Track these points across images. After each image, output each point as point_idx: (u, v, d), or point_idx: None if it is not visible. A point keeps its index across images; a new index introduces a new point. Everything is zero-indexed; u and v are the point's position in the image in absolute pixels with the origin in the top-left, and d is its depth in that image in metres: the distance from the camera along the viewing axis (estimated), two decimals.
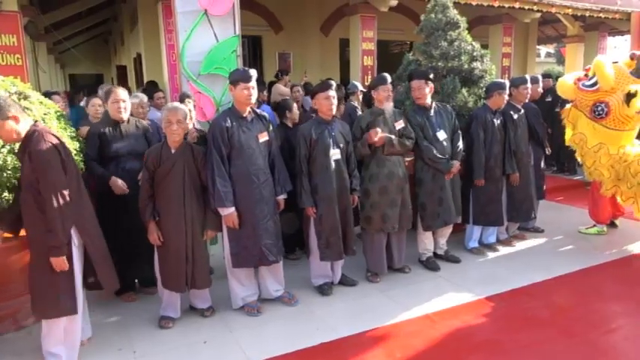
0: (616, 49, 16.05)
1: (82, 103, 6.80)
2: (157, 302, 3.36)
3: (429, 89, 3.93)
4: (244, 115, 3.20)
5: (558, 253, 4.45)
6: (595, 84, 4.43)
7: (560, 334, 3.05)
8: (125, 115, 3.50)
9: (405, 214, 3.85)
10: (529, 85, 4.56)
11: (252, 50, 9.99)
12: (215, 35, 5.31)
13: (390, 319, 3.27)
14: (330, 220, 3.48)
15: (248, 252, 3.19)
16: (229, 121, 3.14)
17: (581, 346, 2.91)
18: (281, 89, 7.12)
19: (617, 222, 5.11)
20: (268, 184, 3.24)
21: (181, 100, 3.95)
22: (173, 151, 3.07)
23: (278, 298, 3.50)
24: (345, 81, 8.87)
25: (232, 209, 3.10)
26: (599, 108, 4.40)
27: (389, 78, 3.83)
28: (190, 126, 3.84)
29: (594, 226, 4.95)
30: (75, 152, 2.99)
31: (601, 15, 9.27)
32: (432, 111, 4.02)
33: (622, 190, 4.54)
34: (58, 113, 3.36)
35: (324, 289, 3.64)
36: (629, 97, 4.22)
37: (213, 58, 5.32)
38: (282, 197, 3.40)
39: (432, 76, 4.01)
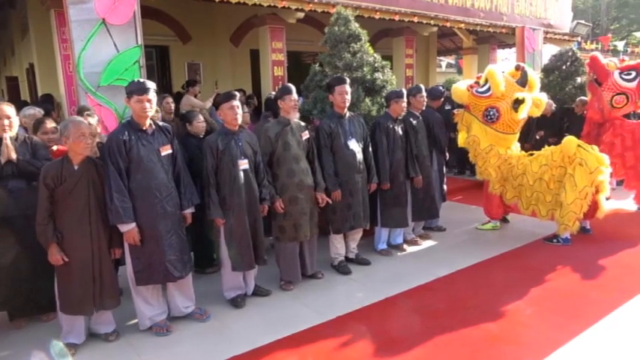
0: (507, 60, 17.55)
1: None
2: (54, 330, 3.12)
3: (349, 96, 4.10)
4: (144, 128, 3.09)
5: (459, 249, 4.79)
6: (488, 90, 4.85)
7: (457, 323, 3.28)
8: (12, 132, 3.24)
9: (315, 222, 3.95)
10: (424, 93, 4.90)
11: (160, 60, 9.66)
12: (115, 45, 5.09)
13: (304, 325, 3.31)
14: (239, 230, 3.46)
15: (152, 269, 3.08)
16: (127, 134, 3.02)
17: (476, 333, 3.16)
18: (192, 100, 6.94)
19: (508, 217, 5.62)
20: (172, 199, 3.15)
21: (79, 114, 3.72)
22: (76, 167, 2.91)
23: (189, 314, 3.40)
24: (256, 91, 8.88)
25: (132, 225, 2.98)
26: (491, 113, 4.83)
27: (294, 88, 3.91)
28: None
29: (489, 222, 5.40)
30: None
31: (490, 29, 10.15)
32: (346, 119, 4.16)
33: (507, 189, 5.02)
34: None
35: (237, 302, 3.60)
36: (517, 103, 4.68)
37: (114, 69, 5.09)
38: (188, 211, 3.32)
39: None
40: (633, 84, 5.31)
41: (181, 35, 9.29)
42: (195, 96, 7.11)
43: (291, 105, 3.84)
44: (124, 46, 5.10)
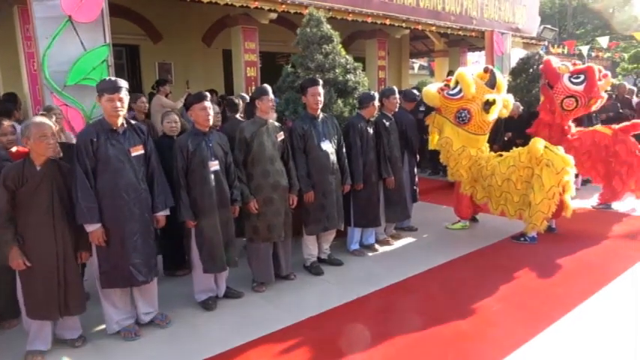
0: (477, 63, 17.87)
1: None
2: (19, 336, 3.03)
3: (322, 97, 4.11)
4: (115, 128, 3.02)
5: (429, 249, 4.86)
6: (459, 92, 4.95)
7: (428, 321, 3.33)
8: None
9: (289, 223, 3.95)
10: (397, 95, 4.96)
11: (130, 60, 9.48)
12: (82, 43, 4.97)
13: (276, 326, 3.30)
14: (211, 231, 3.43)
15: (116, 272, 3.01)
16: (96, 133, 2.96)
17: (446, 330, 3.22)
18: (162, 100, 6.82)
19: (477, 217, 5.74)
20: (140, 200, 3.08)
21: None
22: (38, 168, 2.83)
23: (150, 321, 3.33)
24: (229, 92, 8.81)
25: (97, 225, 2.92)
26: (463, 114, 4.93)
27: (270, 89, 3.90)
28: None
29: (459, 221, 5.51)
30: None
31: (460, 33, 10.36)
32: (319, 120, 4.17)
33: (477, 190, 5.13)
34: None
35: (208, 304, 3.57)
36: (488, 104, 4.79)
37: (81, 67, 4.97)
38: (162, 214, 3.25)
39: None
40: (581, 87, 5.49)
41: (152, 34, 9.14)
42: (167, 96, 6.99)
43: (269, 105, 3.83)
44: (92, 45, 4.99)
